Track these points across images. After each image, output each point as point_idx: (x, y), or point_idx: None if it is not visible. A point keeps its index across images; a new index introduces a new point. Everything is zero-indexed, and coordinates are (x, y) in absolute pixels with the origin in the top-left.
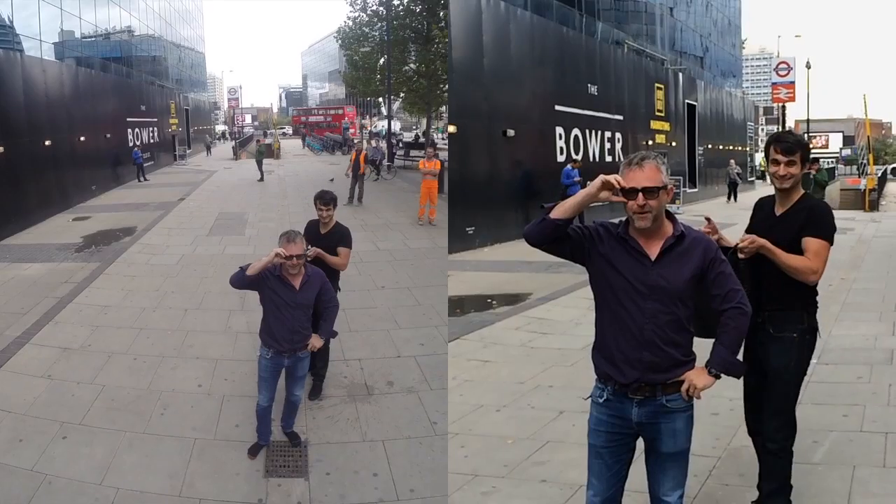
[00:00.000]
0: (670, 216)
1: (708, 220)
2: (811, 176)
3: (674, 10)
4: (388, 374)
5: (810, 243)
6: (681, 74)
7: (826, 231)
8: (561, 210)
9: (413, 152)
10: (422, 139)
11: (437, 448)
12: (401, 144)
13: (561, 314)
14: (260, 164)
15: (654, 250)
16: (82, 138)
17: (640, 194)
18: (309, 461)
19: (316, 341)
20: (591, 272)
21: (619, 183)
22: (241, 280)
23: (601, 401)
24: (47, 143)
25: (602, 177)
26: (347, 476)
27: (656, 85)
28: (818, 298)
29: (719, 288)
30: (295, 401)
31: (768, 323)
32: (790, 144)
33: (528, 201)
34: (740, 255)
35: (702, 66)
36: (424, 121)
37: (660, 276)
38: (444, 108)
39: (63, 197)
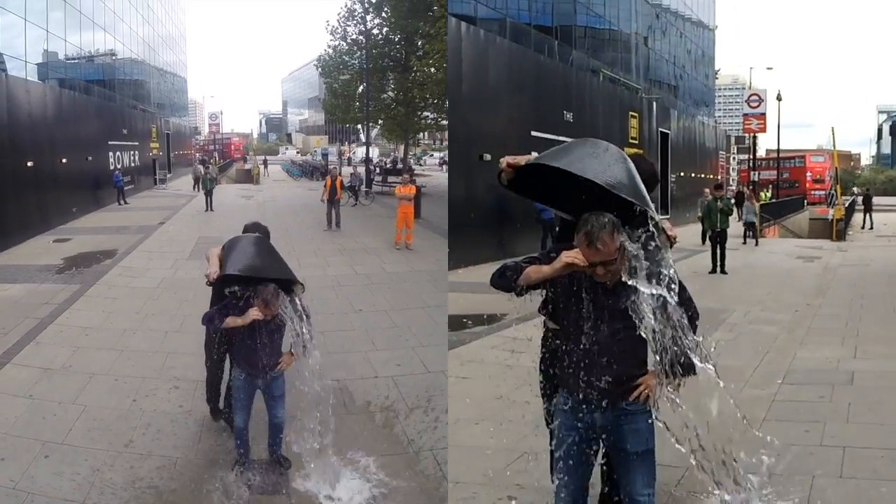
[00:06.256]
0: None
1: None
2: (718, 204)
3: (648, 39)
4: (365, 395)
5: None
6: (655, 103)
7: None
8: (526, 279)
9: (391, 178)
10: (399, 165)
11: (413, 465)
12: (379, 170)
13: (537, 334)
14: (209, 193)
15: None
16: (64, 160)
17: (600, 266)
18: (290, 479)
19: (287, 360)
20: (549, 294)
21: (581, 261)
22: (213, 327)
23: (566, 407)
24: (29, 164)
25: (565, 259)
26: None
27: (630, 113)
28: None
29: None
30: (278, 423)
31: None
32: None
33: (503, 225)
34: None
35: (675, 95)
36: (402, 147)
37: (616, 304)
38: (421, 136)
39: (44, 218)
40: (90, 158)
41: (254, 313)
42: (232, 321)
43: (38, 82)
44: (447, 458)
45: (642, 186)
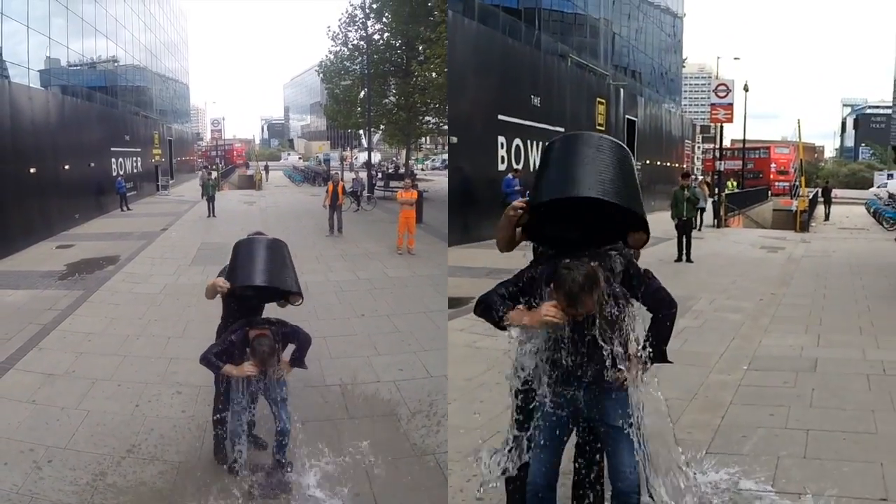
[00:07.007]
0: None
1: None
2: (685, 193)
3: (615, 25)
4: (368, 399)
5: None
6: (622, 90)
7: None
8: (508, 321)
9: (393, 183)
10: (401, 170)
11: (415, 468)
12: (380, 175)
13: None
14: (211, 199)
15: None
16: (66, 167)
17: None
18: (292, 482)
19: (285, 367)
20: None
21: (560, 320)
22: (211, 367)
23: (549, 382)
24: (32, 170)
25: (545, 319)
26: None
27: (598, 99)
28: None
29: (652, 294)
30: (283, 428)
31: None
32: None
33: (468, 209)
34: None
35: (642, 82)
36: (404, 152)
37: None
38: (423, 140)
39: (46, 225)
40: (93, 165)
41: (248, 369)
42: (228, 370)
43: (41, 89)
44: (448, 461)
45: (635, 182)
